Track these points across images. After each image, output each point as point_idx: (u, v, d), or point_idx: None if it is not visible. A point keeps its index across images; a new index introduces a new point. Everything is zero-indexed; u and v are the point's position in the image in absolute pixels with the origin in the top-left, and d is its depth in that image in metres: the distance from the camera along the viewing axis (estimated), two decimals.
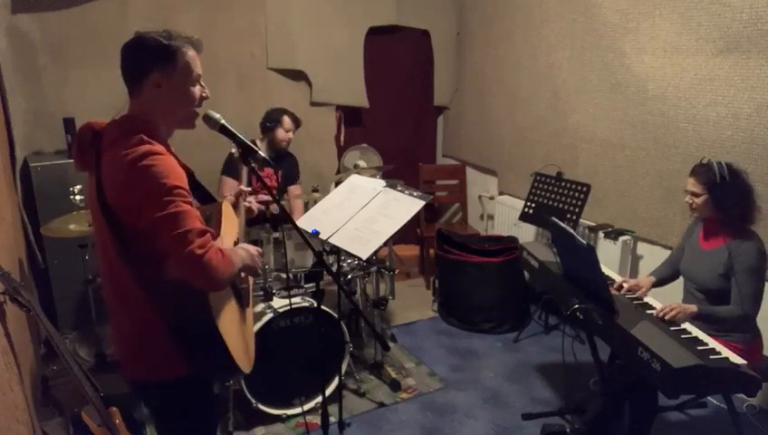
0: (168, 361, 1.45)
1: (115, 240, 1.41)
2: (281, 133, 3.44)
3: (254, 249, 1.64)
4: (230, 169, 3.42)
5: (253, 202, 1.98)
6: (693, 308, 2.26)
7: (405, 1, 4.57)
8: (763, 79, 2.68)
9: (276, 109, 3.49)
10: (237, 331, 1.59)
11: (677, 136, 3.11)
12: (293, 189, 3.63)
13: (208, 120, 1.63)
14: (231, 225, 1.78)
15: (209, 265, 1.33)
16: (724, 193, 2.25)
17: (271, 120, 3.44)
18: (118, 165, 1.37)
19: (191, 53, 1.49)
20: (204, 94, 1.54)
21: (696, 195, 2.31)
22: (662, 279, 2.61)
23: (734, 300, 2.24)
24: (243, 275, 1.71)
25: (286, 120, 3.44)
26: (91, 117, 1.54)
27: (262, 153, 1.73)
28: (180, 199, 1.35)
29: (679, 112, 3.08)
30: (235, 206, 1.93)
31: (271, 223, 2.95)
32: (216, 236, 1.57)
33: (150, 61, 1.44)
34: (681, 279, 2.55)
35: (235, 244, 1.73)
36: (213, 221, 1.68)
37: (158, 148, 1.40)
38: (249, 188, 1.97)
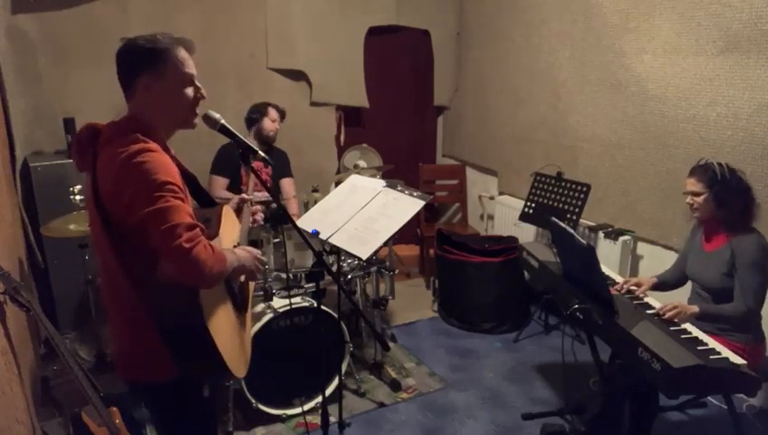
0: (158, 362, 1.44)
1: (109, 239, 1.42)
2: (267, 123, 3.45)
3: (255, 252, 1.62)
4: (220, 167, 3.43)
5: (258, 210, 1.97)
6: (694, 308, 2.26)
7: (405, 1, 4.56)
8: (763, 79, 2.68)
9: (259, 102, 3.52)
10: (231, 334, 1.58)
11: (677, 136, 3.11)
12: (287, 188, 3.63)
13: (208, 119, 1.63)
14: (231, 228, 1.78)
15: (197, 259, 1.32)
16: (725, 190, 2.26)
17: (256, 112, 3.47)
18: (111, 163, 1.38)
19: (182, 54, 1.49)
20: (199, 94, 1.54)
21: (696, 194, 2.32)
22: (666, 282, 2.61)
23: (737, 296, 2.25)
24: (242, 279, 1.70)
25: (271, 110, 3.47)
26: (91, 117, 1.55)
27: (261, 153, 1.73)
28: (170, 195, 1.35)
29: (679, 112, 3.08)
30: (239, 212, 1.92)
31: (271, 223, 2.95)
32: (213, 236, 1.57)
33: (138, 64, 1.46)
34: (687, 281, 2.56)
35: (235, 247, 1.72)
36: (212, 223, 1.67)
37: (152, 145, 1.40)
38: (252, 196, 1.96)
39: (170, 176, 1.38)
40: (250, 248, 1.63)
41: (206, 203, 1.81)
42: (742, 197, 2.29)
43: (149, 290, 1.41)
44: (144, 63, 1.46)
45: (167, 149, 1.53)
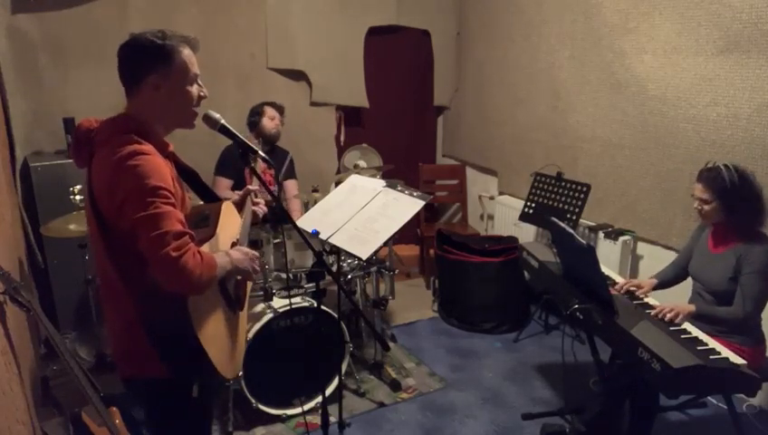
0: (150, 361, 1.44)
1: (103, 238, 1.42)
2: (266, 122, 3.49)
3: (250, 253, 1.61)
4: (223, 168, 3.43)
5: (261, 204, 1.95)
6: (691, 308, 2.26)
7: (405, 1, 4.57)
8: (763, 79, 2.68)
9: (255, 105, 3.56)
10: (221, 335, 1.57)
11: (677, 136, 3.11)
12: (290, 187, 3.63)
13: (208, 119, 1.63)
14: (230, 225, 1.76)
15: (185, 268, 1.30)
16: (734, 198, 2.22)
17: (254, 115, 3.52)
18: (105, 164, 1.38)
19: (187, 53, 1.49)
20: (202, 94, 1.54)
21: (705, 202, 2.27)
22: (665, 281, 2.60)
23: (737, 301, 2.23)
24: (239, 278, 1.69)
25: (267, 108, 3.52)
26: (91, 117, 1.53)
27: (262, 153, 1.73)
28: (161, 200, 1.34)
29: (679, 112, 3.08)
30: (241, 205, 1.91)
31: (271, 223, 2.94)
32: (210, 235, 1.56)
33: (147, 62, 1.44)
34: (687, 280, 2.55)
35: (233, 245, 1.72)
36: (210, 221, 1.66)
37: (146, 148, 1.39)
38: (256, 187, 1.94)
39: (162, 180, 1.36)
40: (245, 249, 1.61)
41: (209, 199, 1.80)
42: (752, 204, 2.23)
43: (139, 290, 1.41)
44: (154, 61, 1.44)
45: (164, 147, 1.52)
